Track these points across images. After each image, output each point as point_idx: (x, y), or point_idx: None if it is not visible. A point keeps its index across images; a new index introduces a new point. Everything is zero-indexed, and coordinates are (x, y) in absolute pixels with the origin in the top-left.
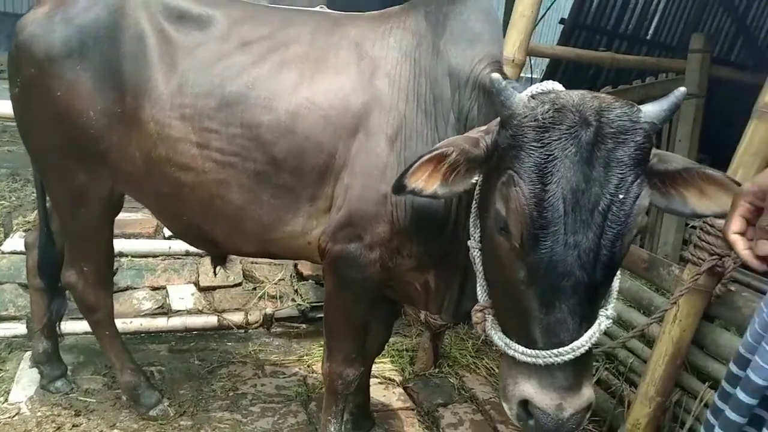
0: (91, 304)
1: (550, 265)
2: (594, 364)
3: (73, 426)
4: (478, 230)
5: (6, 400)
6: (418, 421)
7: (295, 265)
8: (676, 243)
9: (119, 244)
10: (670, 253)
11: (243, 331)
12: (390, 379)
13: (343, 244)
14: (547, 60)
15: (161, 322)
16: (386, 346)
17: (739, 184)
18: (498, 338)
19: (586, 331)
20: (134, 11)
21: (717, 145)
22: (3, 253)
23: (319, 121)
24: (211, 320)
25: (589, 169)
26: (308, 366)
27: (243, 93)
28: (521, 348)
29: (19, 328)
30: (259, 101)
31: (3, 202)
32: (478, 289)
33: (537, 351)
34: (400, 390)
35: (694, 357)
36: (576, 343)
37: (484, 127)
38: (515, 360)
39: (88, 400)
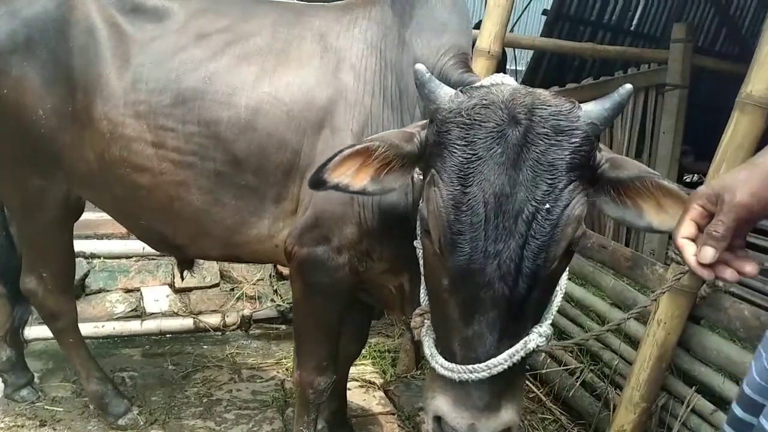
0: (52, 311)
1: (468, 273)
2: (569, 370)
3: None
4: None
5: None
6: (399, 426)
7: (275, 264)
8: (662, 238)
9: (91, 245)
10: (656, 248)
11: (220, 333)
12: (370, 382)
13: (310, 247)
14: (532, 52)
15: (135, 326)
16: (367, 347)
17: None
18: (426, 347)
19: (508, 348)
20: (84, 4)
21: (701, 137)
22: None
23: (281, 116)
24: (187, 323)
25: (516, 172)
26: (286, 369)
27: (200, 88)
28: (441, 360)
29: None
30: (217, 96)
31: None
32: (421, 292)
33: (454, 365)
34: (381, 393)
35: (680, 360)
36: (493, 361)
37: (423, 121)
38: (435, 372)
39: (55, 409)
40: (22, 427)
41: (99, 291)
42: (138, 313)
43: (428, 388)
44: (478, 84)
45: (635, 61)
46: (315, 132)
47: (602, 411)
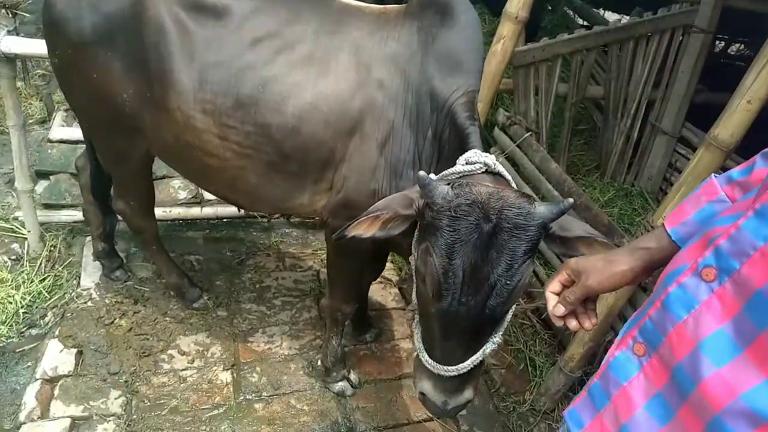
0: (138, 228)
1: (447, 312)
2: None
3: (134, 313)
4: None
5: (78, 284)
6: (407, 321)
7: None
8: (662, 166)
9: None
10: (654, 175)
11: (266, 221)
12: (388, 279)
13: (339, 220)
14: None
15: (195, 211)
16: None
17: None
18: (416, 339)
19: (472, 356)
20: (154, 2)
21: (716, 78)
22: (51, 141)
23: (320, 123)
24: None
25: (486, 252)
26: (321, 260)
27: (255, 96)
28: (425, 355)
29: (78, 215)
30: (269, 104)
31: (41, 83)
32: (413, 295)
33: (434, 363)
34: (396, 290)
35: (627, 312)
36: (461, 365)
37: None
38: (421, 362)
39: (143, 288)
40: (122, 303)
41: (163, 177)
42: (197, 200)
43: (417, 370)
44: (460, 173)
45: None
46: (347, 136)
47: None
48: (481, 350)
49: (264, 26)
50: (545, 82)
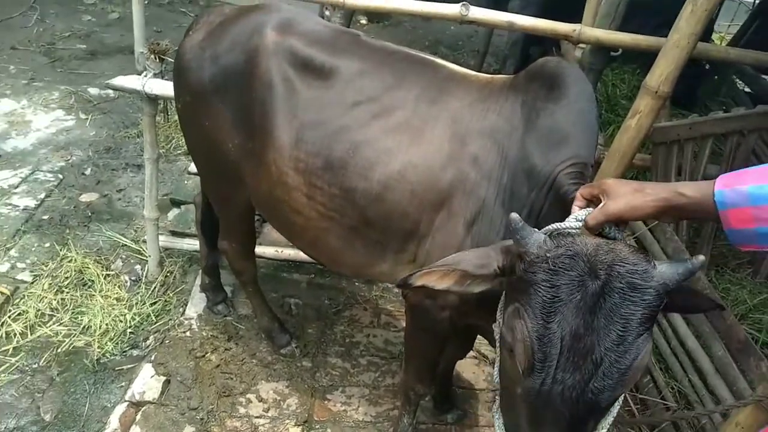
0: (238, 270)
1: (539, 393)
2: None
3: (225, 350)
4: (504, 316)
5: (183, 313)
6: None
7: None
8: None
9: None
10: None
11: None
12: (483, 356)
13: (419, 297)
14: None
15: (305, 255)
16: None
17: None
18: (497, 427)
19: None
20: (267, 59)
21: None
22: (189, 173)
23: (406, 194)
24: None
25: (591, 318)
26: None
27: (344, 159)
28: None
29: (198, 245)
30: (356, 169)
31: None
32: (495, 371)
33: None
34: (490, 369)
35: None
36: None
37: (506, 245)
38: None
39: (239, 326)
40: (216, 338)
41: None
42: None
43: None
44: (564, 228)
45: None
46: (434, 210)
47: None
48: None
49: (366, 90)
50: (690, 163)
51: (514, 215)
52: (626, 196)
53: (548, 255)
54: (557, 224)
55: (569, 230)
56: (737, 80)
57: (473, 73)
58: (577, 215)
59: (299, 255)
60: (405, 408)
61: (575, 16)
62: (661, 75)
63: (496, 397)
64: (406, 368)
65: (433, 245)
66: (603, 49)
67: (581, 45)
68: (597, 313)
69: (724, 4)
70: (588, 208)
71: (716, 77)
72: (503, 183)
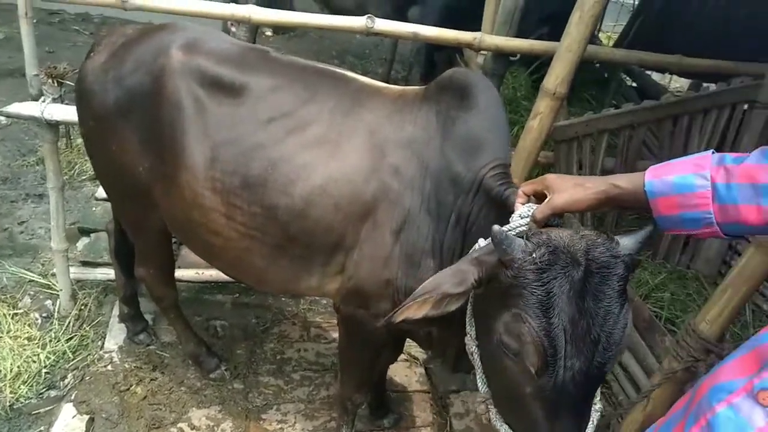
0: (158, 296)
1: (554, 385)
2: None
3: (151, 380)
4: (473, 329)
5: (102, 346)
6: (430, 406)
7: None
8: (721, 248)
9: None
10: (712, 257)
11: None
12: (414, 358)
13: (351, 308)
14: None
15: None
16: None
17: None
18: (504, 431)
19: (584, 428)
20: (174, 79)
21: None
22: (97, 199)
23: (329, 207)
24: None
25: (582, 302)
26: None
27: (263, 176)
28: None
29: (112, 274)
30: (276, 185)
31: None
32: (478, 381)
33: None
34: (422, 370)
35: None
36: None
37: (475, 256)
38: None
39: (164, 354)
40: (141, 369)
41: None
42: None
43: None
44: (514, 228)
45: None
46: (359, 221)
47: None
48: (591, 422)
49: (279, 105)
50: (589, 157)
51: (497, 227)
52: (569, 190)
53: (533, 256)
54: (507, 226)
55: (521, 228)
56: (625, 77)
57: (384, 85)
58: (521, 212)
59: (221, 275)
60: (343, 419)
61: (477, 21)
62: (557, 78)
63: (489, 405)
64: (343, 379)
65: (362, 256)
66: (503, 54)
67: (482, 52)
68: (585, 296)
69: (608, 6)
70: (529, 204)
71: (605, 75)
72: (426, 191)
